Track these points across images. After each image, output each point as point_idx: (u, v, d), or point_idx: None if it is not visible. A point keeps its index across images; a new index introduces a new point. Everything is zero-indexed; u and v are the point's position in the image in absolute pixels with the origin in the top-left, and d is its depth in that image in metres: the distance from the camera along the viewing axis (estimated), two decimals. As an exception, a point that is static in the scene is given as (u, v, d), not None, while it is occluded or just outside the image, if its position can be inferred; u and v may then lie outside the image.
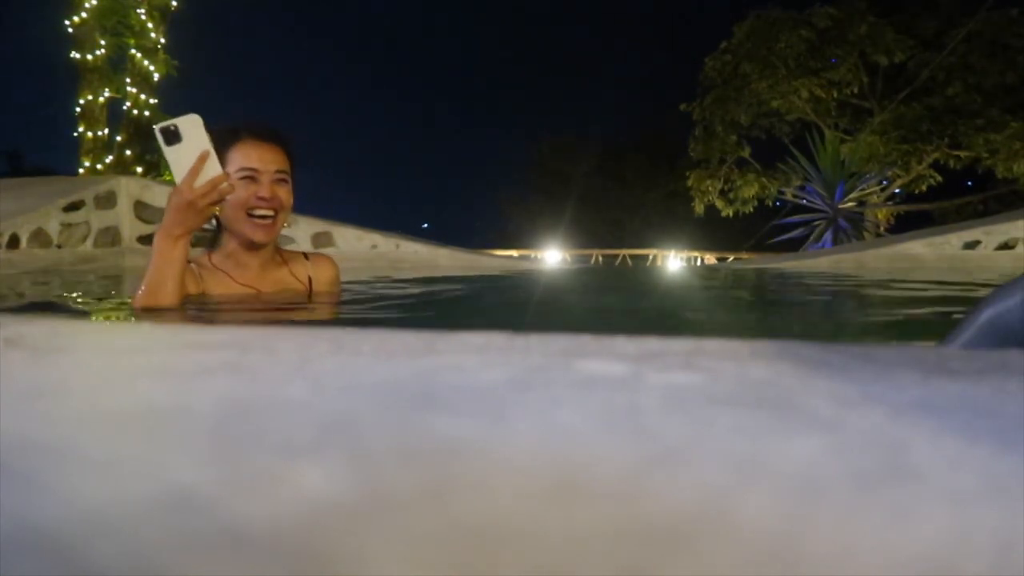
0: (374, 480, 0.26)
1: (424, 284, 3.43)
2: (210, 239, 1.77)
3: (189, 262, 1.66)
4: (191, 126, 1.50)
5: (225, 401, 0.36)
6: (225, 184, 1.49)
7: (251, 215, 1.63)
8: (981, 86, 11.86)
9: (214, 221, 1.71)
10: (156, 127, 1.51)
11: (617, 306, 2.85)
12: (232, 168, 1.61)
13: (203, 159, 1.48)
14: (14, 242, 3.99)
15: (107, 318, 1.93)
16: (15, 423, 0.33)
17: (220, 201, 1.52)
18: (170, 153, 1.50)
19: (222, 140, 1.61)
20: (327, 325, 1.72)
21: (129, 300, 1.87)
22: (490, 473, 0.27)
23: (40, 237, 4.17)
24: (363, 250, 4.98)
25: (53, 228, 4.26)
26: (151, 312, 1.51)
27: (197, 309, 1.60)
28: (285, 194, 1.66)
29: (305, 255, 1.85)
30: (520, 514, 0.24)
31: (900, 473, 0.27)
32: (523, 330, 0.54)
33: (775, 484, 0.26)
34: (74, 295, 2.74)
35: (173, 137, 1.50)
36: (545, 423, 0.32)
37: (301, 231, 4.88)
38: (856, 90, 12.82)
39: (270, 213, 1.64)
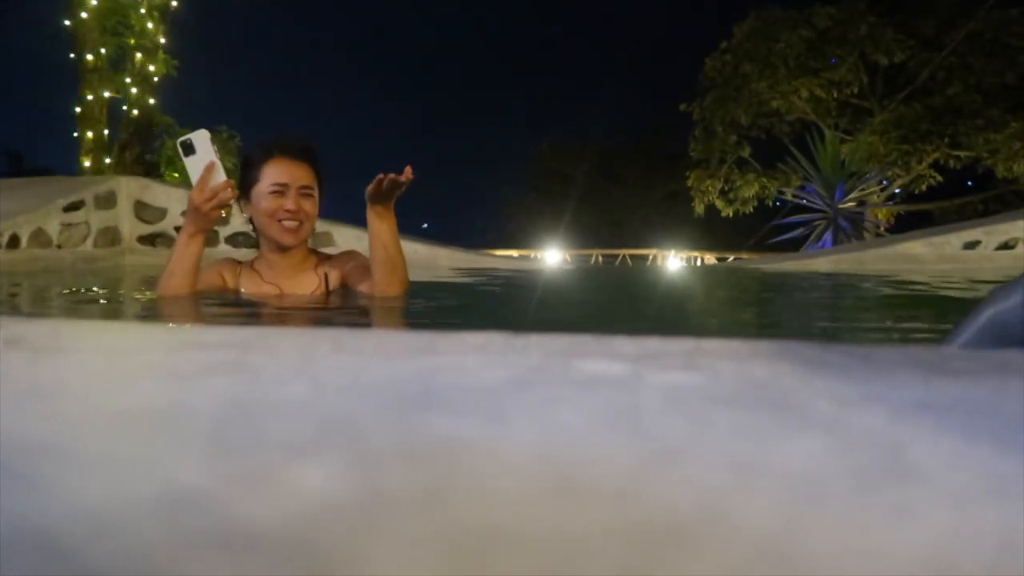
0: (374, 480, 0.26)
1: (426, 284, 3.42)
2: (254, 245, 2.03)
3: (240, 262, 2.00)
4: (202, 140, 1.74)
5: (225, 401, 0.36)
6: (227, 191, 1.75)
7: (280, 222, 1.87)
8: (981, 86, 11.85)
9: (251, 228, 1.97)
10: (178, 141, 1.77)
11: (617, 307, 2.85)
12: (266, 182, 1.86)
13: (209, 170, 1.74)
14: (14, 242, 3.99)
15: (107, 318, 1.95)
16: (15, 423, 0.33)
17: (224, 206, 1.76)
18: (187, 163, 1.75)
19: (259, 157, 1.89)
20: (327, 325, 1.74)
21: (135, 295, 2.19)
22: (490, 473, 0.27)
23: (40, 237, 4.16)
24: (363, 250, 4.97)
25: (53, 228, 4.26)
26: (167, 298, 1.81)
27: (206, 300, 1.86)
28: (310, 206, 1.90)
29: (329, 256, 2.05)
30: (520, 514, 0.24)
31: (900, 473, 0.27)
32: (523, 330, 0.54)
33: (775, 484, 0.26)
34: (74, 295, 2.74)
35: (188, 149, 1.75)
36: (545, 423, 0.32)
37: (301, 231, 4.87)
38: (856, 90, 12.81)
39: (296, 222, 1.87)
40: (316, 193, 1.92)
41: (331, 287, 1.98)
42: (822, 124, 12.84)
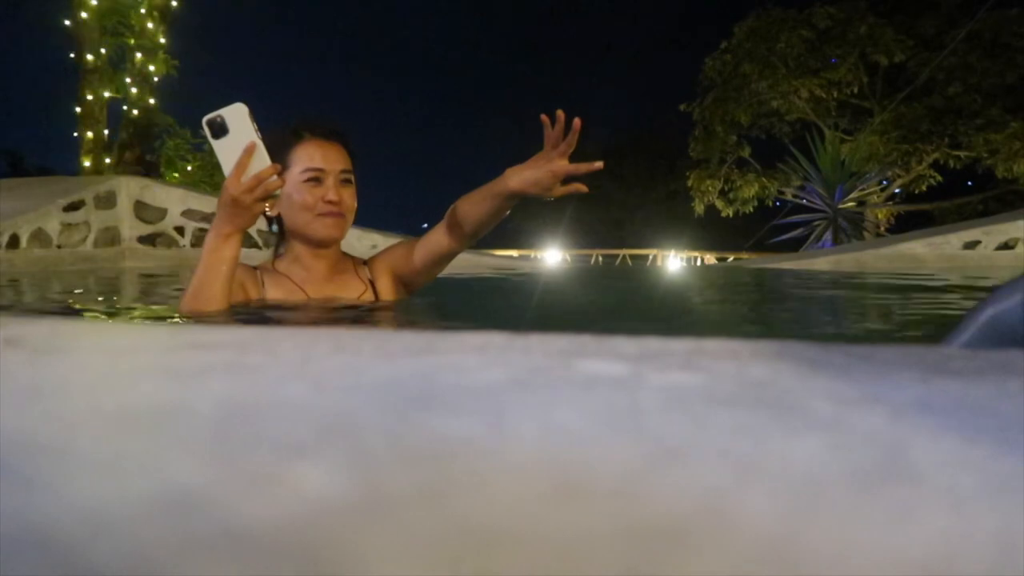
0: (374, 480, 0.26)
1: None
2: (275, 245, 1.73)
3: (255, 268, 1.64)
4: (237, 117, 1.41)
5: (225, 401, 0.36)
6: (274, 178, 1.41)
7: (321, 216, 1.59)
8: (981, 86, 11.87)
9: (275, 227, 1.66)
10: (204, 119, 1.42)
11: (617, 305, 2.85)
12: (297, 169, 1.57)
13: (249, 152, 1.39)
14: (14, 242, 3.99)
15: (107, 318, 1.94)
16: (15, 423, 0.33)
17: (269, 197, 1.43)
18: (217, 147, 1.42)
19: (284, 140, 1.58)
20: (328, 325, 1.72)
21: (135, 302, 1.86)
22: (490, 473, 0.27)
23: (40, 237, 4.16)
24: (363, 250, 4.96)
25: (53, 228, 4.26)
26: (197, 315, 1.44)
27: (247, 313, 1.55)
28: (349, 195, 1.63)
29: (363, 259, 1.78)
30: (520, 514, 0.24)
31: (900, 473, 0.27)
32: (523, 330, 0.53)
33: (775, 484, 0.26)
34: (74, 296, 2.74)
35: (220, 130, 1.41)
36: (545, 423, 0.32)
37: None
38: (856, 90, 12.83)
39: (339, 214, 1.60)
40: (354, 180, 1.64)
41: (379, 294, 1.71)
42: (822, 124, 12.85)
